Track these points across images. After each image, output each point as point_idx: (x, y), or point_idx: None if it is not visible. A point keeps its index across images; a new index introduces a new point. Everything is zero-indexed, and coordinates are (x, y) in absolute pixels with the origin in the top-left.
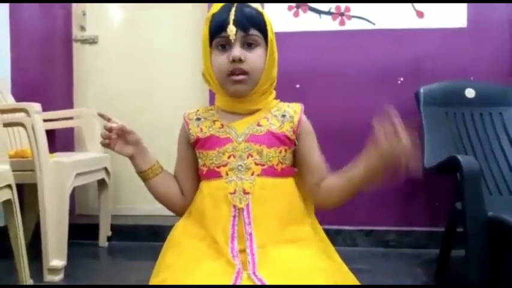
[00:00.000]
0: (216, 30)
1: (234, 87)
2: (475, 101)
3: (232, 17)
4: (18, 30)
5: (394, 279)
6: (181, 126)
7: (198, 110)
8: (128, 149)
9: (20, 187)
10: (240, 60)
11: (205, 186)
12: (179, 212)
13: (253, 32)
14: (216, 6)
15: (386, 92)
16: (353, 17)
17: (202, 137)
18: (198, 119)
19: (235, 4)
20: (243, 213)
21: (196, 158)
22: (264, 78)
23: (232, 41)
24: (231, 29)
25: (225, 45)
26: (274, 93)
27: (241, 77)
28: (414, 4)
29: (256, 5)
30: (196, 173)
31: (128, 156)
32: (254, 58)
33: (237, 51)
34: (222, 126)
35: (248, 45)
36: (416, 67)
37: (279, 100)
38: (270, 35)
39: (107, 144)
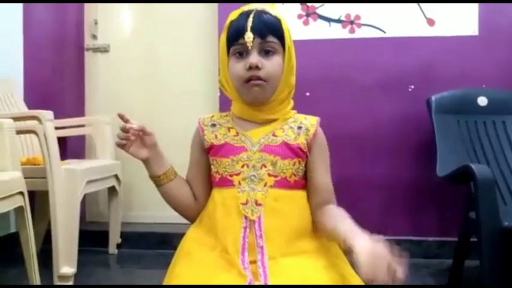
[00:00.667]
0: (234, 37)
1: (251, 94)
2: (487, 109)
3: (249, 23)
4: (32, 39)
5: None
6: (195, 131)
7: (213, 116)
8: (143, 152)
9: (32, 194)
10: (257, 68)
11: (217, 194)
12: (191, 218)
13: (271, 39)
14: (235, 14)
15: (397, 100)
16: (363, 25)
17: (216, 144)
18: (213, 125)
19: (254, 11)
20: (255, 225)
21: (209, 164)
22: (282, 86)
23: (250, 47)
24: (249, 36)
25: (243, 52)
26: (292, 103)
27: (258, 81)
28: (425, 12)
29: (276, 12)
30: (209, 178)
31: (142, 159)
32: (271, 65)
33: (254, 58)
34: (237, 134)
35: (266, 52)
36: (427, 75)
37: (296, 111)
38: (288, 42)
39: (122, 145)
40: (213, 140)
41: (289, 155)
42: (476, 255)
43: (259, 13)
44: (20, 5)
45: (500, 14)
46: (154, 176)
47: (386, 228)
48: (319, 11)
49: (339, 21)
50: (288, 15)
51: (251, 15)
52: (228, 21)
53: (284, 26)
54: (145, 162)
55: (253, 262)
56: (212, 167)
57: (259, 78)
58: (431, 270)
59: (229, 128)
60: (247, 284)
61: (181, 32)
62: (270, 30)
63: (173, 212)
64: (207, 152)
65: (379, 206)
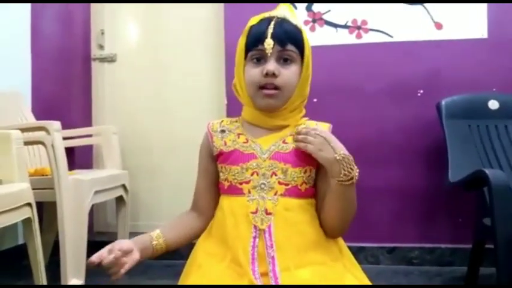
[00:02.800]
0: (253, 42)
1: (264, 101)
2: (499, 113)
3: (270, 30)
4: (39, 51)
5: None
6: (203, 137)
7: (222, 121)
8: (135, 257)
9: (39, 205)
10: (274, 75)
11: (226, 202)
12: (201, 234)
13: (290, 47)
14: (256, 19)
15: (406, 105)
16: (370, 30)
17: (225, 151)
18: (223, 131)
19: (275, 18)
20: (265, 234)
21: (218, 171)
22: (296, 95)
23: (269, 54)
24: (269, 43)
25: (260, 59)
26: (304, 111)
27: (272, 91)
28: (432, 15)
29: (297, 22)
30: (217, 187)
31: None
32: (288, 74)
33: (271, 65)
34: (247, 141)
35: (284, 60)
36: (436, 79)
37: (307, 118)
38: (307, 53)
39: (120, 274)
40: (222, 147)
41: (300, 163)
42: (490, 262)
43: (281, 21)
44: (27, 17)
45: (510, 15)
46: (152, 257)
47: (398, 236)
48: (326, 17)
49: (345, 26)
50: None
51: (272, 22)
52: (248, 26)
53: (304, 36)
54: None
55: (264, 274)
56: (221, 174)
57: (274, 86)
58: (444, 278)
59: (238, 135)
60: None
61: (188, 41)
62: (290, 39)
63: None
64: (215, 159)
65: (390, 213)
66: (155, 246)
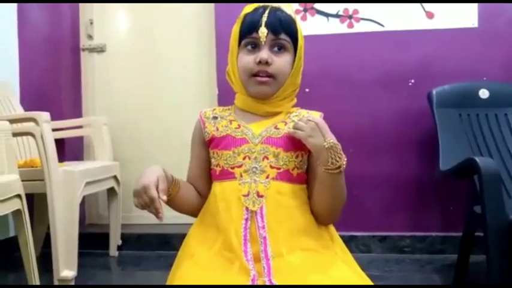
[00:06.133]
0: (247, 30)
1: (257, 89)
2: (489, 102)
3: (264, 19)
4: (27, 40)
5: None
6: (195, 124)
7: (214, 109)
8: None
9: (30, 197)
10: (267, 63)
11: (218, 187)
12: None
13: (283, 36)
14: (250, 7)
15: (397, 94)
16: (361, 19)
17: (217, 136)
18: (215, 117)
19: (269, 7)
20: (257, 216)
21: (210, 158)
22: (288, 84)
23: (263, 43)
24: (263, 31)
25: (254, 46)
26: (295, 101)
27: (265, 79)
28: (424, 5)
29: (291, 12)
30: (210, 173)
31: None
32: (281, 62)
33: (264, 53)
34: (239, 126)
35: (277, 49)
36: (427, 68)
37: (299, 107)
38: (300, 42)
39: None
40: (214, 132)
41: (291, 147)
42: (481, 250)
43: (275, 10)
44: (14, 7)
45: (500, 5)
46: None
47: (389, 225)
48: (317, 6)
49: (337, 16)
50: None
51: (267, 11)
52: (242, 14)
53: (298, 26)
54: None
55: (256, 257)
56: (212, 160)
57: (267, 74)
58: (436, 265)
59: (231, 121)
60: (250, 280)
61: (178, 31)
62: (284, 28)
63: (173, 213)
64: (207, 145)
65: (381, 202)
66: (174, 179)
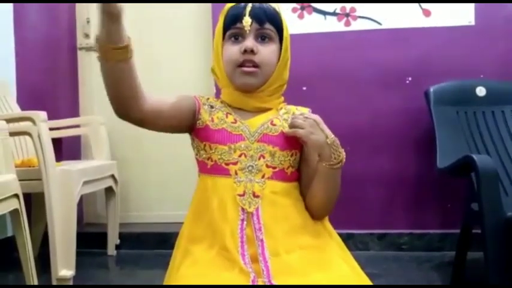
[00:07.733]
0: (231, 21)
1: (243, 79)
2: (486, 99)
3: (248, 9)
4: (23, 39)
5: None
6: (186, 95)
7: (208, 98)
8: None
9: (27, 197)
10: (252, 52)
11: (210, 181)
12: (131, 110)
13: (268, 26)
14: (233, 4)
15: (394, 92)
16: (359, 17)
17: (212, 128)
18: (211, 106)
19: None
20: (253, 218)
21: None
22: (275, 77)
23: (247, 31)
24: (247, 20)
25: (238, 37)
26: (282, 99)
27: (251, 69)
28: (420, 3)
29: (275, 5)
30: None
31: (115, 13)
32: (266, 52)
33: (249, 42)
34: (235, 121)
35: (262, 38)
36: (424, 66)
37: (286, 103)
38: (286, 34)
39: None
40: (208, 122)
41: (287, 146)
42: (479, 247)
43: (259, 3)
44: (10, 6)
45: (496, 3)
46: (121, 45)
47: (387, 222)
48: (314, 4)
49: (334, 14)
50: (282, 9)
51: (250, 4)
52: (225, 8)
53: (282, 18)
54: (116, 20)
55: (254, 257)
56: (202, 152)
57: (253, 64)
58: (434, 263)
59: (227, 114)
60: (251, 281)
61: (175, 29)
62: (268, 18)
63: (171, 211)
64: (196, 132)
65: (379, 200)
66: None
